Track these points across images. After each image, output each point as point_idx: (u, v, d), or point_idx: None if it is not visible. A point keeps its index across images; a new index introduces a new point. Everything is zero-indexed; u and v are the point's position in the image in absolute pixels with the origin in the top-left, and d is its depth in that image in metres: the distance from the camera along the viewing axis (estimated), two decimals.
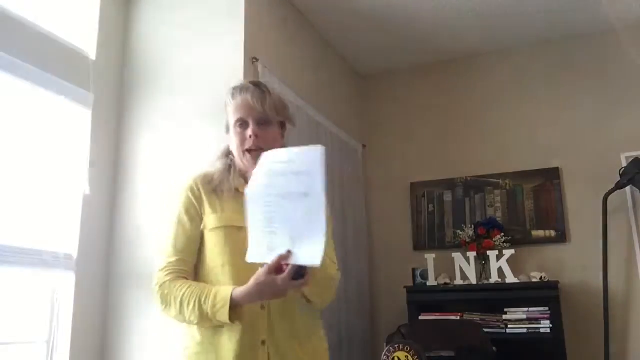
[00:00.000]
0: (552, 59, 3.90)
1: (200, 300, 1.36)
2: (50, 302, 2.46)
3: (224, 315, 1.32)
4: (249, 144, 1.47)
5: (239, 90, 1.51)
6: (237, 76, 2.67)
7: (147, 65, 2.92)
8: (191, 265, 1.49)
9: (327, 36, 3.82)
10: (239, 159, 1.51)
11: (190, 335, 1.46)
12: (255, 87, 1.51)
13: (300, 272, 1.26)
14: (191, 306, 1.37)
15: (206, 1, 2.88)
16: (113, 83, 2.90)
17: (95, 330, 2.60)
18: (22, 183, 2.39)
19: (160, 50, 2.92)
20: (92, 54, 2.78)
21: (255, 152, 1.45)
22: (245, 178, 1.51)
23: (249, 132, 1.47)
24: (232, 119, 1.51)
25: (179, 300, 1.39)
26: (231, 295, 1.33)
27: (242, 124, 1.49)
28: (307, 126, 3.21)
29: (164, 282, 1.44)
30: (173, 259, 1.47)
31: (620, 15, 3.53)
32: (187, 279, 1.45)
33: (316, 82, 3.61)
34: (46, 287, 2.45)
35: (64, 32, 2.64)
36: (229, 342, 1.39)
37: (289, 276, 1.26)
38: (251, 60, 2.74)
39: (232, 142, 1.52)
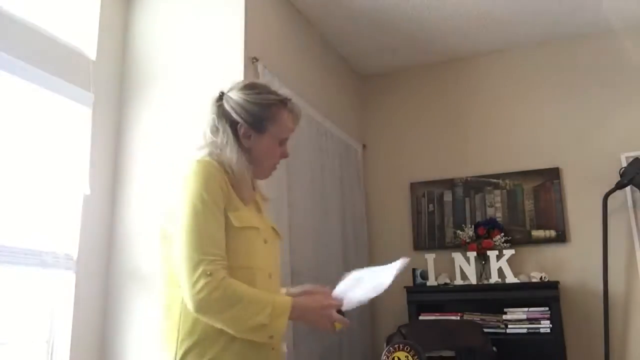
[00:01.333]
0: (552, 59, 3.90)
1: (260, 304, 1.24)
2: (50, 302, 2.46)
3: (282, 322, 1.26)
4: (279, 160, 1.55)
5: (294, 107, 1.54)
6: (237, 76, 2.67)
7: (147, 65, 2.92)
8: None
9: (327, 36, 3.82)
10: (262, 167, 1.51)
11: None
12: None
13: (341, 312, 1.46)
14: (257, 308, 1.23)
15: (206, 1, 2.88)
16: (113, 83, 2.90)
17: (95, 330, 2.60)
18: (22, 183, 2.38)
19: (160, 50, 2.92)
20: (92, 54, 2.78)
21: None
22: (253, 183, 1.52)
23: (286, 150, 1.54)
24: (281, 132, 1.49)
25: (245, 300, 1.22)
26: (291, 304, 1.30)
27: (286, 141, 1.53)
28: (307, 126, 3.21)
29: (223, 278, 1.21)
30: (219, 251, 1.25)
31: (620, 16, 3.53)
32: None
33: (316, 82, 3.61)
34: (46, 287, 2.45)
35: (64, 32, 2.64)
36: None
37: (337, 304, 1.43)
38: (251, 60, 2.74)
39: (266, 149, 1.48)
